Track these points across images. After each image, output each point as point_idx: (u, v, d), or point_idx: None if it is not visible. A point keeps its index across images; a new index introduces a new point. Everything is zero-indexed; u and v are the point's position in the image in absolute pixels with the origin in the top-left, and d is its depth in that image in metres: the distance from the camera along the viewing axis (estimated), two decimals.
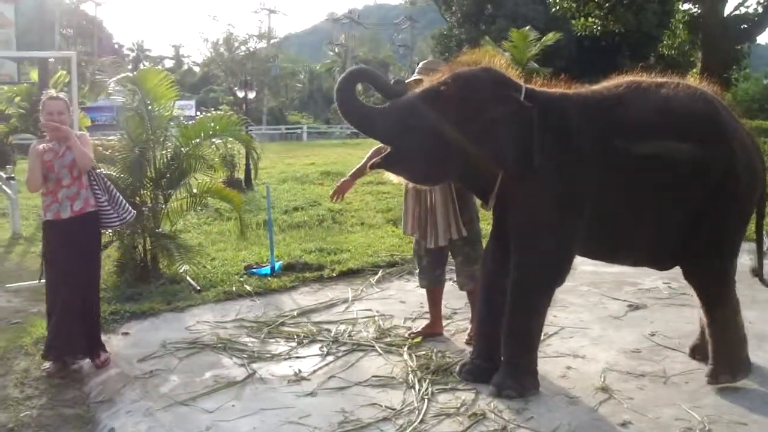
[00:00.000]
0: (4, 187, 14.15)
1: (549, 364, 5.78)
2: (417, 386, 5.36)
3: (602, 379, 5.46)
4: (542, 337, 6.23)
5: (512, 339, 5.18)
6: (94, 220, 6.01)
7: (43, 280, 6.16)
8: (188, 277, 8.50)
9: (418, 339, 6.28)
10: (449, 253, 6.38)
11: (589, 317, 7.01)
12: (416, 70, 6.27)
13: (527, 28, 21.64)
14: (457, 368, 5.59)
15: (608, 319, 6.95)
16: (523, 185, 5.04)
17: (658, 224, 5.20)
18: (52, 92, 6.33)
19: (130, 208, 6.27)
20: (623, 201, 5.07)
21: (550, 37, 21.87)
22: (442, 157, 5.09)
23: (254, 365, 5.90)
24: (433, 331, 6.43)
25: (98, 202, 6.01)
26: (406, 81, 5.87)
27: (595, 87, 5.32)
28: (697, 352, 5.77)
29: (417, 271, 6.61)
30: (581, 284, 7.88)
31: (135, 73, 9.20)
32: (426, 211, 6.12)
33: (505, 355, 5.24)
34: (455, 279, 6.38)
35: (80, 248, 5.98)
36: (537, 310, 5.19)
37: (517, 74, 5.35)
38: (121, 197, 6.24)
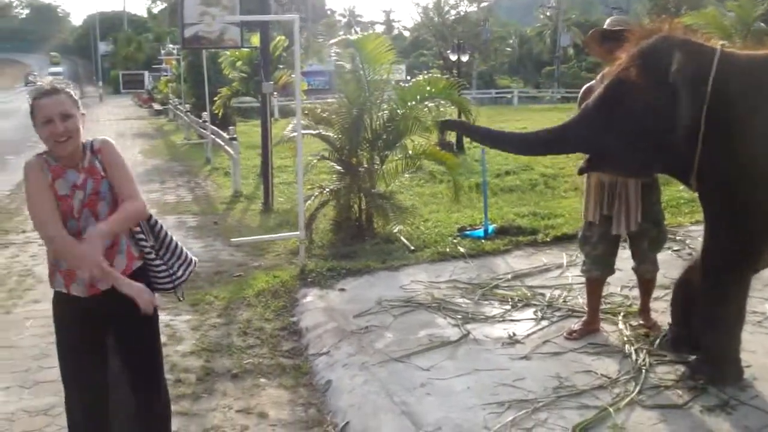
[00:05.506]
0: (226, 147, 14.97)
1: None
2: (633, 356, 5.23)
3: None
4: None
5: (707, 326, 4.81)
6: (142, 279, 3.67)
7: None
8: (402, 237, 8.68)
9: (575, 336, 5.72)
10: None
11: None
12: (607, 23, 5.72)
13: None
14: (659, 341, 5.37)
15: None
16: (713, 159, 4.43)
17: None
18: (41, 82, 3.57)
19: (190, 256, 3.93)
20: None
21: None
22: (649, 144, 4.56)
23: (468, 326, 5.94)
24: (591, 328, 5.78)
25: (144, 254, 3.74)
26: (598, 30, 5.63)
27: None
28: None
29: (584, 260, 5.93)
30: None
31: (354, 37, 9.46)
32: (615, 193, 5.43)
33: (702, 342, 4.92)
34: (637, 266, 5.80)
35: (136, 333, 3.72)
36: (728, 297, 4.68)
37: (707, 38, 4.75)
38: (176, 242, 3.90)
